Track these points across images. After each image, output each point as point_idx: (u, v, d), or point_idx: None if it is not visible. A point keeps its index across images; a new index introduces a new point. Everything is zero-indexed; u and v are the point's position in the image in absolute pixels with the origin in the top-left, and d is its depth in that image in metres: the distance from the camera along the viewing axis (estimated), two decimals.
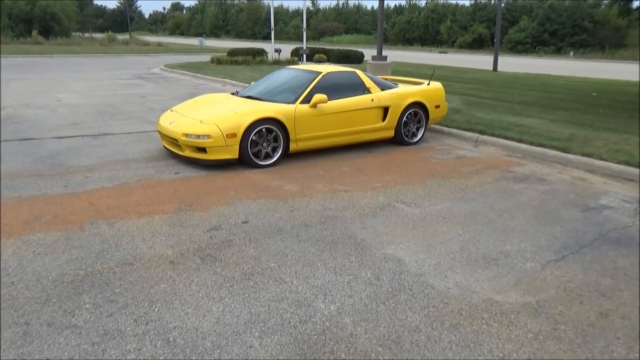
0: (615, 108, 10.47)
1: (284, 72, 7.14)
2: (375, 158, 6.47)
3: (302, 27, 22.81)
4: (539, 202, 4.88)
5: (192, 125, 5.70)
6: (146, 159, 6.08)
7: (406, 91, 7.10)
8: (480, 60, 30.22)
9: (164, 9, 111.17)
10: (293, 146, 6.04)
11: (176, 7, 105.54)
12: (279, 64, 21.45)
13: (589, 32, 41.75)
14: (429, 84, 7.56)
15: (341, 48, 25.95)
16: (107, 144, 6.85)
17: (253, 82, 7.34)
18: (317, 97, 6.03)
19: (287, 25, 68.92)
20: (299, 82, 6.55)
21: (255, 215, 4.31)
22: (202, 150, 5.57)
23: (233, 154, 5.60)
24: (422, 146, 7.26)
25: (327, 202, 4.70)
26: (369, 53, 25.82)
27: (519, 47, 44.34)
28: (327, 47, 27.71)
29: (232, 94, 6.98)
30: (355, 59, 23.07)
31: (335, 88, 6.49)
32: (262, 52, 22.13)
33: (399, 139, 7.07)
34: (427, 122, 7.38)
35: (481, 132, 7.70)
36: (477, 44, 49.12)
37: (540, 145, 6.89)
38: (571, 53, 38.42)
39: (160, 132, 6.23)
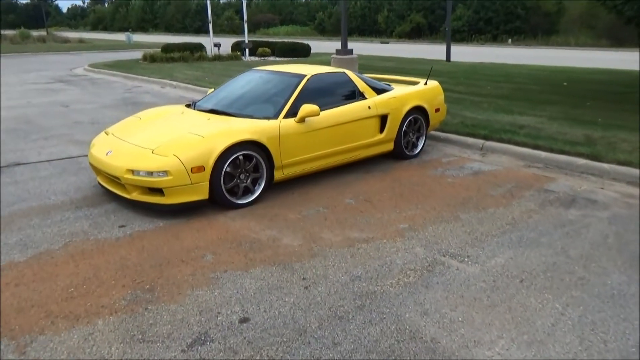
0: (597, 99, 9.79)
1: (253, 76, 5.61)
2: (378, 181, 5.14)
3: (244, 18, 21.05)
4: (615, 240, 3.75)
5: (139, 156, 4.10)
6: (75, 203, 4.39)
7: (405, 94, 5.81)
8: (425, 50, 29.71)
9: (84, 2, 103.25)
10: (278, 175, 4.58)
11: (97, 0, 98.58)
12: (220, 59, 19.63)
13: (522, 19, 42.67)
14: (426, 83, 6.32)
15: (285, 40, 24.45)
16: (19, 180, 5.05)
17: (211, 90, 5.75)
18: (306, 108, 4.59)
19: (219, 17, 65.97)
20: (277, 89, 5.08)
21: (256, 304, 2.84)
22: (158, 191, 3.99)
23: (202, 193, 4.06)
24: (424, 159, 6.02)
25: (350, 265, 3.31)
26: (312, 45, 24.42)
27: (457, 36, 44.51)
28: (271, 39, 26.08)
29: (188, 105, 5.38)
30: (302, 51, 21.64)
31: (323, 94, 5.09)
32: (200, 47, 20.16)
33: (399, 152, 5.79)
34: (427, 130, 6.15)
35: (485, 138, 6.58)
36: (416, 33, 49.13)
37: (563, 152, 5.85)
38: (509, 40, 39.06)
39: (93, 165, 4.54)
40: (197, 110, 5.07)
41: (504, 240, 3.74)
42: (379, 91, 5.60)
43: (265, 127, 4.42)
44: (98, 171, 4.49)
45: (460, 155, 6.24)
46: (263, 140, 4.32)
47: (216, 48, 21.21)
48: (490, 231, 3.89)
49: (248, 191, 4.36)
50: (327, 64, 18.89)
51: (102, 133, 4.89)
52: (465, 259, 3.42)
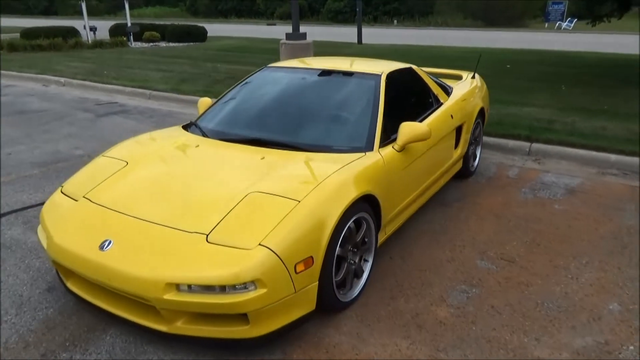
0: (562, 82, 9.38)
1: (285, 78, 3.61)
2: (476, 219, 3.69)
3: None
4: None
5: (184, 251, 2.10)
6: (35, 342, 2.25)
7: (470, 93, 4.40)
8: (315, 32, 28.53)
9: None
10: (381, 237, 2.89)
11: None
12: (102, 47, 16.33)
13: (400, 0, 43.69)
14: (474, 76, 4.97)
15: (177, 23, 21.47)
16: None
17: (206, 100, 3.67)
18: (409, 128, 2.90)
19: None
20: (338, 97, 3.31)
21: None
22: (238, 317, 2.08)
23: (307, 304, 2.23)
24: (485, 174, 4.70)
25: None
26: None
27: (339, 17, 44.36)
28: (157, 22, 22.80)
29: (185, 127, 3.34)
30: (198, 36, 19.05)
31: (402, 103, 3.48)
32: (74, 32, 16.58)
33: (465, 169, 4.39)
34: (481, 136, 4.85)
35: (529, 139, 5.48)
36: None
37: (636, 153, 4.96)
38: (395, 21, 39.64)
39: (58, 264, 2.38)
40: (219, 139, 3.06)
41: None
42: (448, 92, 4.11)
43: (369, 168, 2.67)
44: (70, 275, 2.37)
45: (515, 165, 5.04)
46: (375, 191, 2.59)
47: (92, 33, 17.69)
48: None
49: (355, 275, 2.62)
50: (235, 48, 16.71)
51: (58, 193, 2.68)
52: None
